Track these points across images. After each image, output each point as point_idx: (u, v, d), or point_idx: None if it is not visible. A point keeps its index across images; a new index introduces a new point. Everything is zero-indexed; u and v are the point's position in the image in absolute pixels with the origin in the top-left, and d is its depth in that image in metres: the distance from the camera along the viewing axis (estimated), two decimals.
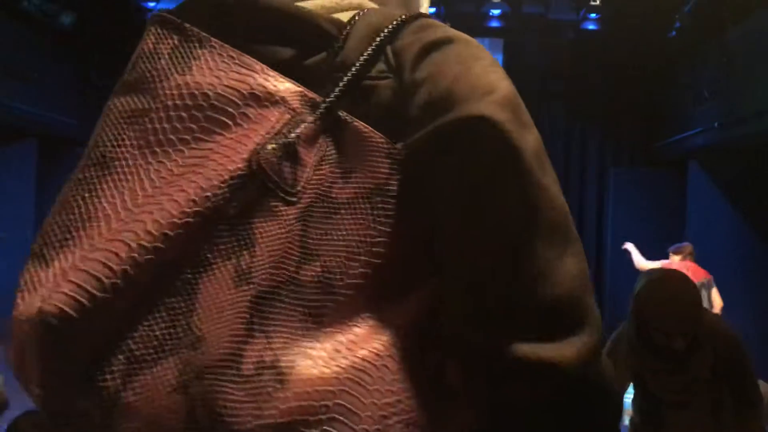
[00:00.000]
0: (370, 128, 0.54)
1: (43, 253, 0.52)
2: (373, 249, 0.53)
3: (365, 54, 0.55)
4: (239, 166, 0.50)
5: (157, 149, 0.52)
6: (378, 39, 0.56)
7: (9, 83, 7.53)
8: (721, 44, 7.04)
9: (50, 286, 0.49)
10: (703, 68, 7.52)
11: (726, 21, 6.90)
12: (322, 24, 0.57)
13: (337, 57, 0.56)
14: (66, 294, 0.47)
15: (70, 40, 8.51)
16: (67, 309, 0.47)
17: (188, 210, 0.48)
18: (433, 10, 8.86)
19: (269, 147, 0.51)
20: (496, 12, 8.65)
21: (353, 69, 0.55)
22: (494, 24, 8.81)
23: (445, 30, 0.58)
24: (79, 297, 0.47)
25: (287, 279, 0.51)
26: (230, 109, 0.52)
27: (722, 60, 7.00)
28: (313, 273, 0.51)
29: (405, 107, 0.54)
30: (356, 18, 0.58)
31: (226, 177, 0.49)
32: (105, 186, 0.52)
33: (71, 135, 9.29)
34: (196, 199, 0.49)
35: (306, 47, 0.57)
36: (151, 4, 8.84)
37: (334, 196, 0.53)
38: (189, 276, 0.49)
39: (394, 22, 0.57)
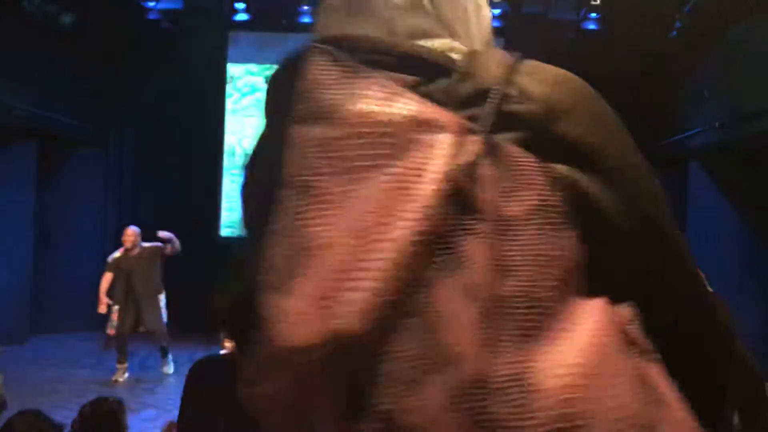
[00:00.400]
0: (521, 149, 0.57)
1: (276, 284, 0.54)
2: (556, 261, 0.55)
3: (498, 84, 0.59)
4: (437, 187, 0.53)
5: (351, 175, 0.55)
6: (503, 72, 0.60)
7: (9, 83, 7.53)
8: (721, 44, 7.04)
9: (312, 313, 0.51)
10: (703, 68, 7.52)
11: (726, 21, 6.90)
12: (440, 58, 0.62)
13: (464, 86, 0.60)
14: (341, 316, 0.50)
15: (70, 40, 8.51)
16: (350, 329, 0.50)
17: (415, 231, 0.52)
18: None
19: (456, 168, 0.54)
20: (496, 12, 8.65)
21: (494, 97, 0.59)
22: (494, 24, 8.79)
23: (556, 69, 0.65)
24: (353, 319, 0.50)
25: (496, 295, 0.52)
26: (404, 135, 0.55)
27: (722, 60, 7.00)
28: (515, 287, 0.53)
29: (544, 133, 0.59)
30: (472, 56, 0.63)
31: (433, 199, 0.53)
32: (314, 213, 0.54)
33: (71, 135, 9.29)
34: (416, 221, 0.52)
35: (427, 76, 0.61)
36: (151, 4, 8.84)
37: (509, 214, 0.55)
38: (422, 296, 0.52)
39: (509, 61, 0.62)
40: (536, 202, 0.55)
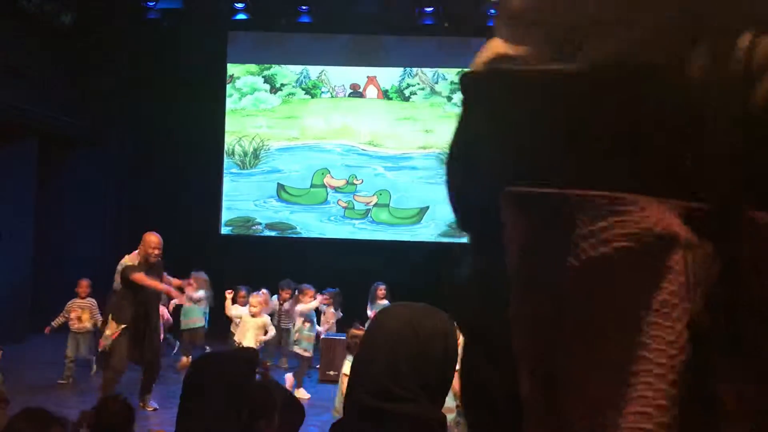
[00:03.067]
0: None
1: None
2: None
3: None
4: None
5: None
6: None
7: (9, 83, 7.55)
8: None
9: None
10: None
11: None
12: None
13: None
14: None
15: (70, 40, 8.53)
16: None
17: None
18: (431, 9, 8.88)
19: None
20: (493, 12, 8.65)
21: None
22: (489, 24, 8.82)
23: None
24: None
25: None
26: None
27: None
28: None
29: None
30: None
31: None
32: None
33: (71, 135, 9.30)
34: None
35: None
36: (151, 4, 8.86)
37: None
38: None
39: None
40: None
